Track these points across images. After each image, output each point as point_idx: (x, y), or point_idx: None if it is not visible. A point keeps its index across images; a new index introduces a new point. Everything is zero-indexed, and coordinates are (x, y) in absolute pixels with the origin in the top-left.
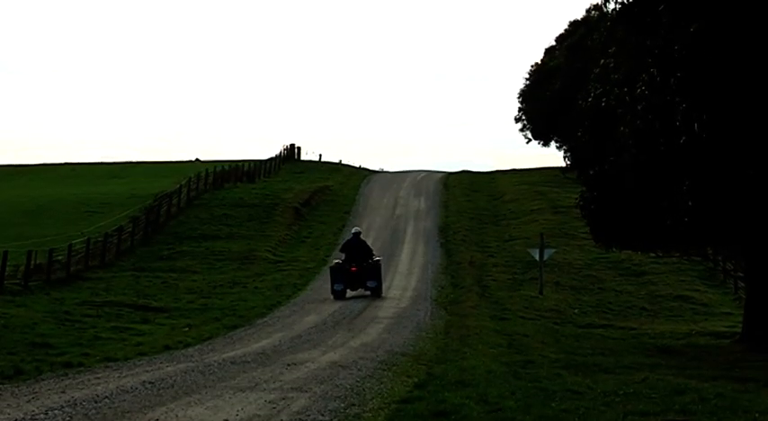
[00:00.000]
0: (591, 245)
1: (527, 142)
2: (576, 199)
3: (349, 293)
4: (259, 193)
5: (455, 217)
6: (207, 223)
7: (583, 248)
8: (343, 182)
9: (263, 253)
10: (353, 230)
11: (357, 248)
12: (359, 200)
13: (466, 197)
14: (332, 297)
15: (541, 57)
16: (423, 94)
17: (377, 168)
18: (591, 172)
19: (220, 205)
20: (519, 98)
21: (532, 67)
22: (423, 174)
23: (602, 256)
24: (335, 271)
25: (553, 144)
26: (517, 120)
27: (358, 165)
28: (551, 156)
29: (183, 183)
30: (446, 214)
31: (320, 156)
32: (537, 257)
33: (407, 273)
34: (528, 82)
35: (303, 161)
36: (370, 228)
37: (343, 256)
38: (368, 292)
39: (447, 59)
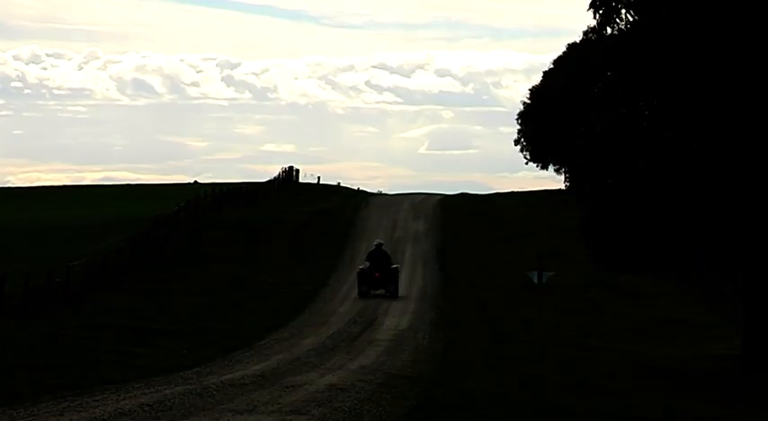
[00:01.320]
0: (589, 268)
1: (525, 163)
2: (576, 222)
3: (369, 294)
4: (258, 216)
5: (454, 239)
6: (206, 245)
7: (581, 271)
8: (342, 204)
9: (262, 275)
10: (376, 242)
11: (380, 257)
12: (357, 222)
13: (465, 219)
14: (358, 296)
15: (540, 79)
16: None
17: (375, 191)
18: (590, 195)
19: (220, 227)
20: (518, 120)
21: (531, 89)
22: (421, 197)
23: (601, 279)
24: (362, 275)
25: (551, 167)
26: (516, 142)
27: (356, 188)
28: (549, 179)
29: (182, 205)
30: (444, 236)
31: (318, 178)
32: (536, 280)
33: (406, 296)
34: (527, 104)
35: (301, 183)
36: (369, 250)
37: (367, 264)
38: (387, 294)
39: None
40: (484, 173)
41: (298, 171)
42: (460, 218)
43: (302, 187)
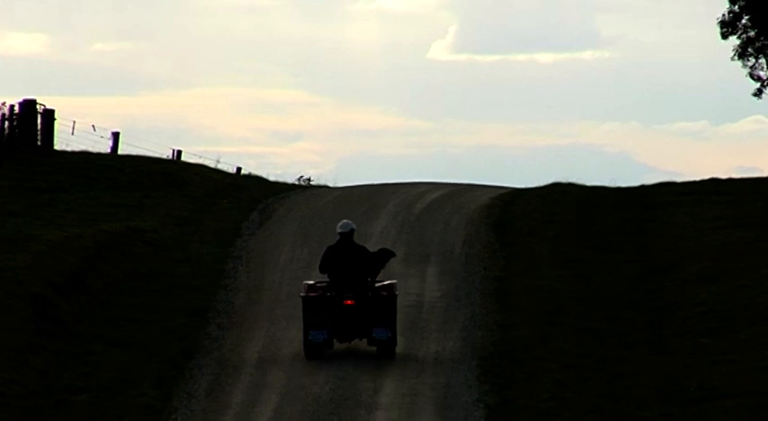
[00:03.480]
0: None
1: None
2: None
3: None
4: None
5: (531, 327)
6: None
7: None
8: (189, 216)
9: None
10: (342, 225)
11: (352, 260)
12: (231, 271)
13: (565, 265)
14: (304, 352)
15: None
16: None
17: (297, 178)
18: None
19: None
20: None
21: None
22: (431, 194)
23: None
24: (312, 305)
25: None
26: (725, 24)
27: (247, 172)
28: None
29: None
30: (504, 318)
31: (116, 136)
32: None
33: None
34: None
35: (63, 153)
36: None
37: (324, 277)
38: (372, 347)
39: None
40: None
41: (50, 113)
42: (552, 259)
43: (65, 160)
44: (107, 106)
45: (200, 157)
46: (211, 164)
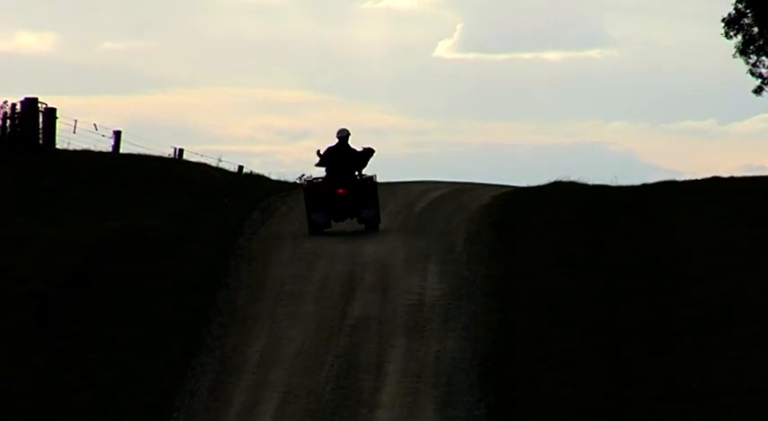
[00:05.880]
0: None
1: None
2: None
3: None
4: None
5: (532, 326)
6: None
7: None
8: (191, 215)
9: None
10: (340, 131)
11: (344, 158)
12: (233, 269)
13: (566, 263)
14: (308, 231)
15: None
16: None
17: (299, 177)
18: None
19: None
20: None
21: None
22: (432, 193)
23: None
24: (313, 194)
25: None
26: (729, 23)
27: (253, 172)
28: None
29: None
30: (505, 317)
31: (117, 136)
32: None
33: None
34: None
35: (64, 152)
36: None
37: (323, 171)
38: (362, 224)
39: None
40: (612, 119)
41: (52, 111)
42: (552, 253)
43: (66, 159)
44: (113, 105)
45: (202, 156)
46: (213, 162)
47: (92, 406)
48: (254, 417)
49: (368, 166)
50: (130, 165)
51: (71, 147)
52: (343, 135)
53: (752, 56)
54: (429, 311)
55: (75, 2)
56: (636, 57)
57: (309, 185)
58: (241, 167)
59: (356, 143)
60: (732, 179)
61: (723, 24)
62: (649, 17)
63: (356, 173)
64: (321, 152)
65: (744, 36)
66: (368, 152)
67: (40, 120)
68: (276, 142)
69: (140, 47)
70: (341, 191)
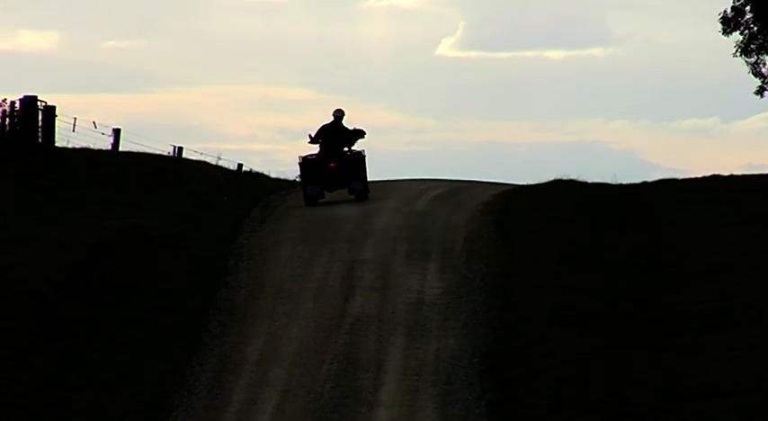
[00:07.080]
0: None
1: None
2: None
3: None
4: None
5: (532, 324)
6: None
7: None
8: (190, 213)
9: None
10: (336, 111)
11: (336, 136)
12: (232, 268)
13: (566, 261)
14: (304, 203)
15: None
16: None
17: (297, 175)
18: None
19: None
20: None
21: None
22: (433, 191)
23: None
24: (308, 168)
25: None
26: (726, 20)
27: (251, 170)
28: None
29: None
30: (505, 315)
31: (117, 133)
32: None
33: None
34: None
35: (63, 150)
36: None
37: (316, 147)
38: (352, 195)
39: None
40: (613, 117)
41: (51, 109)
42: (552, 252)
43: (63, 158)
44: (113, 103)
45: (201, 154)
46: (212, 161)
47: (92, 406)
48: (254, 416)
49: (368, 167)
50: (130, 164)
51: (70, 146)
52: (339, 115)
53: (752, 55)
54: (429, 309)
55: (77, 1)
56: (638, 55)
57: (304, 160)
58: (240, 166)
59: (359, 144)
60: (732, 178)
61: (720, 22)
62: (651, 16)
63: (345, 149)
64: (313, 134)
65: (743, 34)
66: (359, 132)
67: (40, 118)
68: (276, 141)
69: (141, 45)
70: (332, 164)
